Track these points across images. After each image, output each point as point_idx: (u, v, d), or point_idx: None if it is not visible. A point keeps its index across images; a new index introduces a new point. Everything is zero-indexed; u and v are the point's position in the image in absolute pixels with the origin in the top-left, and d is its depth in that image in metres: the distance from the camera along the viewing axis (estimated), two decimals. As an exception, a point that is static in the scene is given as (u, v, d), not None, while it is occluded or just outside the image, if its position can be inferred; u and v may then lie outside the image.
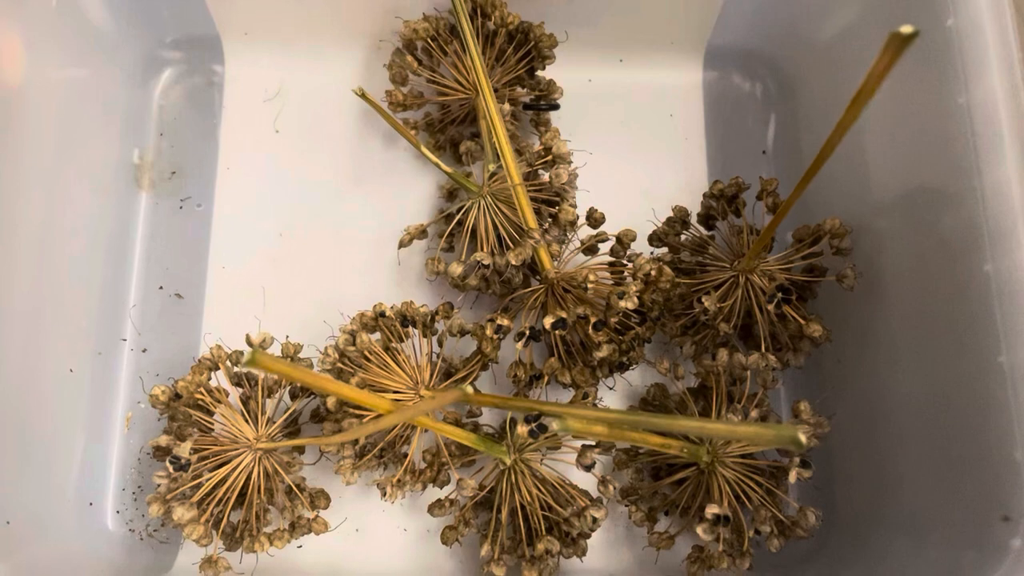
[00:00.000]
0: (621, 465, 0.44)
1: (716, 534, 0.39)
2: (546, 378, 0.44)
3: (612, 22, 0.52)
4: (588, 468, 0.40)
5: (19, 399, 0.41)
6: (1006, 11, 0.37)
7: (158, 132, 0.52)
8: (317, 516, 0.43)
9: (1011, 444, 0.34)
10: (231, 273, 0.50)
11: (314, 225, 0.51)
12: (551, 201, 0.45)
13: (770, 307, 0.42)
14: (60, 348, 0.44)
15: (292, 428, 0.45)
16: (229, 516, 0.42)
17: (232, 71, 0.53)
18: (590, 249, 0.45)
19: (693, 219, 0.47)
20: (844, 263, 0.43)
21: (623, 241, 0.45)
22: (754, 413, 0.42)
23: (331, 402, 0.42)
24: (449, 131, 0.51)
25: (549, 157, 0.46)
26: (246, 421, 0.42)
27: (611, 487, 0.42)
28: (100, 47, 0.49)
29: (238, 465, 0.41)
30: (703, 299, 0.42)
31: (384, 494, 0.41)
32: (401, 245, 0.47)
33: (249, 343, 0.42)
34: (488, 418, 0.47)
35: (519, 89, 0.50)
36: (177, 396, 0.42)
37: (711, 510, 0.39)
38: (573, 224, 0.45)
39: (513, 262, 0.43)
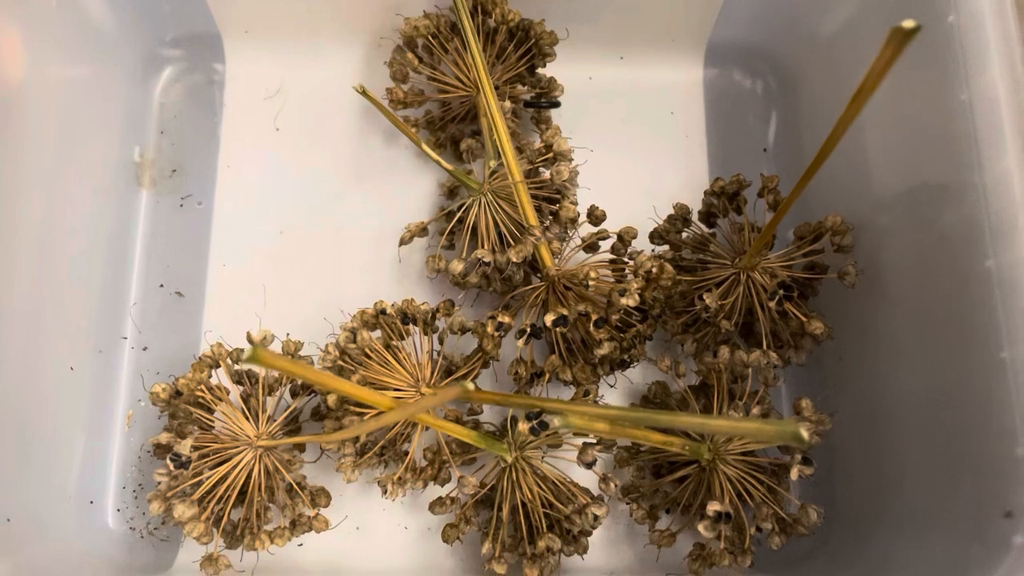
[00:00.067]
0: (622, 463, 0.44)
1: (717, 531, 0.39)
2: (547, 376, 0.44)
3: (613, 19, 0.51)
4: (589, 466, 0.40)
5: (20, 397, 0.41)
6: (1007, 7, 0.37)
7: (159, 130, 0.52)
8: (318, 514, 0.43)
9: (1013, 440, 0.34)
10: (232, 271, 0.50)
11: (315, 223, 0.51)
12: (552, 199, 0.45)
13: (771, 304, 0.42)
14: (60, 346, 0.44)
15: (293, 426, 0.45)
16: (230, 514, 0.42)
17: (233, 69, 0.53)
18: (591, 247, 0.45)
19: (694, 216, 0.47)
20: (845, 260, 0.43)
21: (624, 239, 0.45)
22: (756, 410, 0.42)
23: (332, 400, 0.42)
24: (450, 128, 0.51)
25: (550, 154, 0.46)
26: (247, 419, 0.42)
27: (612, 485, 0.42)
28: (100, 45, 0.49)
29: (239, 463, 0.41)
30: (704, 296, 0.42)
31: (385, 492, 0.41)
32: (402, 243, 0.47)
33: (250, 340, 0.42)
34: (489, 416, 0.46)
35: (520, 87, 0.50)
36: (178, 393, 0.42)
37: (712, 507, 0.39)
38: (574, 221, 0.45)
39: (514, 259, 0.43)
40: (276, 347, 0.45)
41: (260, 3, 0.51)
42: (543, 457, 0.43)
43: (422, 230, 0.47)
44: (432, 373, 0.43)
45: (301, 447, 0.45)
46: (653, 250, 0.47)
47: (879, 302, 0.43)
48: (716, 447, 0.41)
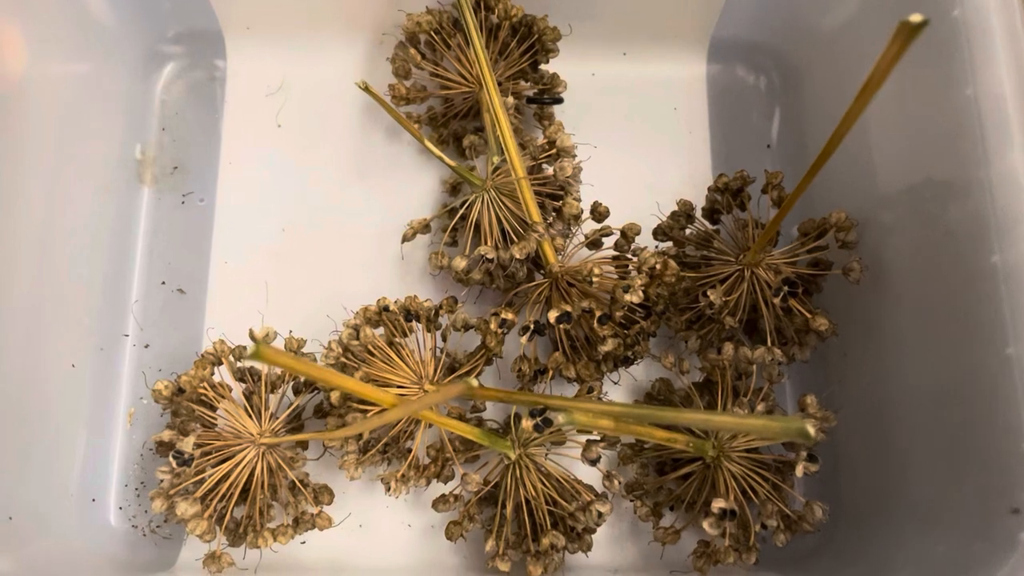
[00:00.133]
0: (626, 460, 0.44)
1: (722, 528, 0.39)
2: (550, 373, 0.44)
3: (615, 15, 0.51)
4: (593, 462, 0.40)
5: (21, 395, 0.41)
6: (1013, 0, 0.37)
7: (160, 127, 0.52)
8: (321, 511, 0.43)
9: (1019, 436, 0.34)
10: (234, 268, 0.50)
11: (317, 220, 0.50)
12: (555, 195, 0.45)
13: (776, 301, 0.42)
14: (62, 344, 0.44)
15: (295, 423, 0.44)
16: (232, 512, 0.41)
17: (234, 66, 0.53)
18: (594, 243, 0.45)
19: (698, 213, 0.47)
20: (850, 256, 0.43)
21: (627, 235, 0.45)
22: (760, 407, 0.42)
23: (335, 397, 0.41)
24: (452, 125, 0.51)
25: (553, 151, 0.46)
26: (249, 416, 0.42)
27: (616, 482, 0.42)
28: (102, 42, 0.48)
29: (241, 460, 0.41)
30: (708, 293, 0.42)
31: (388, 489, 0.41)
32: (404, 240, 0.46)
33: (252, 337, 0.42)
34: (492, 413, 0.46)
35: (522, 83, 0.50)
36: (180, 391, 0.42)
37: (717, 504, 0.38)
38: (577, 218, 0.45)
39: (517, 256, 0.43)
40: (279, 344, 0.45)
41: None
42: (547, 454, 0.43)
43: (425, 227, 0.46)
44: (435, 370, 0.43)
45: (304, 444, 0.44)
46: (657, 246, 0.47)
47: (884, 298, 0.43)
48: (720, 444, 0.41)
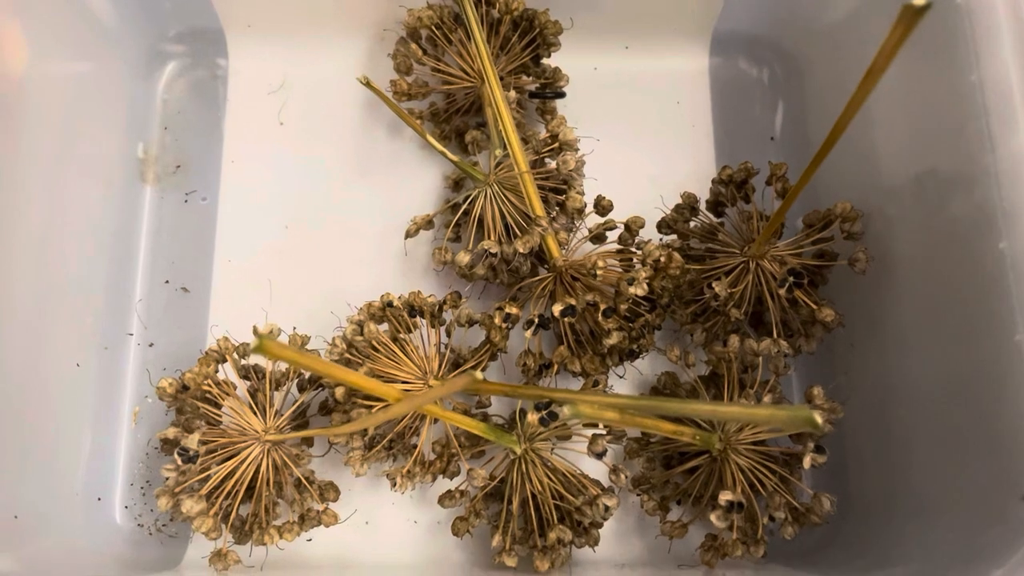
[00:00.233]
0: (632, 454, 0.44)
1: (729, 521, 0.39)
2: (556, 367, 0.44)
3: (617, 8, 0.51)
4: (599, 456, 0.40)
5: (26, 394, 0.41)
6: (1017, -15, 0.37)
7: (162, 126, 0.52)
8: (327, 508, 0.43)
9: (1029, 424, 0.33)
10: (237, 266, 0.50)
11: (320, 217, 0.50)
12: (558, 189, 0.45)
13: (781, 292, 0.42)
14: (66, 343, 0.44)
15: (300, 420, 0.44)
16: (238, 509, 0.41)
17: (236, 64, 0.53)
18: (598, 237, 0.44)
19: (702, 205, 0.46)
20: (855, 247, 0.43)
21: (631, 228, 0.44)
22: (767, 399, 0.42)
23: (339, 393, 0.41)
24: (455, 120, 0.51)
25: (556, 145, 0.45)
26: (254, 413, 0.42)
27: (623, 476, 0.42)
28: (103, 41, 0.48)
29: (246, 458, 0.41)
30: (713, 285, 0.42)
31: (394, 485, 0.41)
32: (408, 235, 0.46)
33: (256, 334, 0.42)
34: (497, 408, 0.46)
35: (524, 77, 0.50)
36: (184, 388, 0.42)
37: (724, 497, 0.38)
38: (581, 212, 0.45)
39: (521, 250, 0.42)
40: (283, 341, 0.45)
41: (262, -3, 0.51)
42: (553, 449, 0.43)
43: (428, 222, 0.46)
44: (440, 366, 0.43)
45: (309, 441, 0.44)
46: (661, 239, 0.47)
47: (890, 288, 0.43)
48: (727, 437, 0.41)
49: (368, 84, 0.42)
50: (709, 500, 0.42)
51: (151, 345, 0.48)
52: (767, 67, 0.54)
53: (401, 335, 0.43)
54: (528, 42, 0.49)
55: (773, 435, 0.41)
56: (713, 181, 0.46)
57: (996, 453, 0.35)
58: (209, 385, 0.42)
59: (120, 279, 0.48)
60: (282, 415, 0.42)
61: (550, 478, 0.41)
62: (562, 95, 0.51)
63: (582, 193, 0.45)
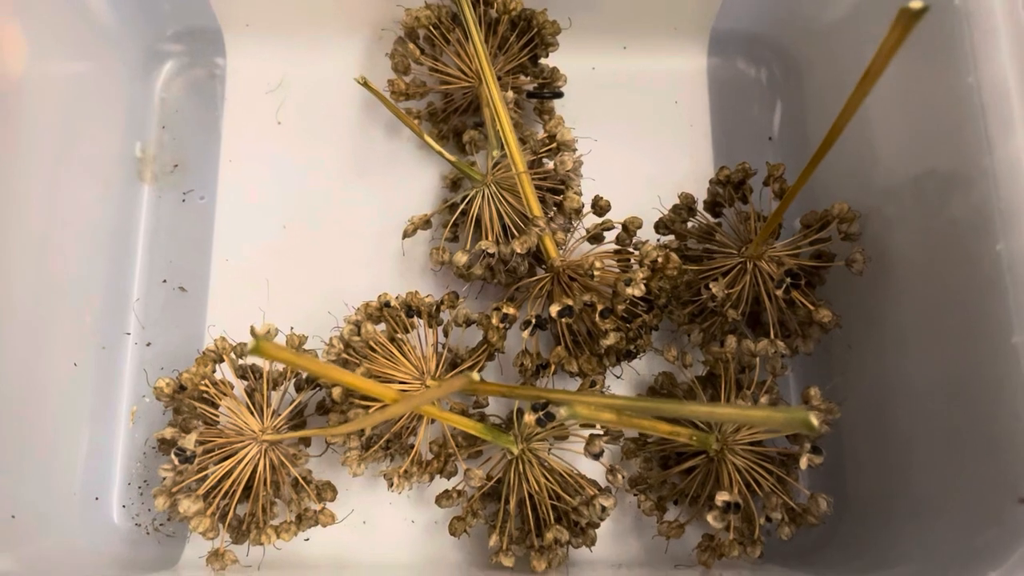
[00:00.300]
0: (629, 454, 0.44)
1: (726, 521, 0.39)
2: (553, 367, 0.44)
3: (615, 8, 0.51)
4: (596, 456, 0.40)
5: (23, 394, 0.41)
6: (1015, -13, 0.37)
7: (160, 125, 0.52)
8: (324, 508, 0.43)
9: (1025, 426, 0.33)
10: (235, 266, 0.50)
11: (317, 216, 0.50)
12: (556, 189, 0.45)
13: (778, 293, 0.42)
14: (63, 343, 0.44)
15: (298, 420, 0.44)
16: (235, 509, 0.41)
17: (234, 63, 0.53)
18: (596, 237, 0.45)
19: (699, 206, 0.46)
20: (853, 248, 0.43)
21: (629, 229, 0.44)
22: (764, 400, 0.42)
23: (337, 393, 0.41)
24: (452, 120, 0.51)
25: (553, 145, 0.45)
26: (251, 413, 0.42)
27: (620, 476, 0.42)
28: (101, 40, 0.48)
29: (244, 457, 0.41)
30: (711, 286, 0.42)
31: (391, 485, 0.41)
32: (405, 235, 0.46)
33: (254, 334, 0.42)
34: (495, 408, 0.46)
35: (522, 77, 0.50)
36: (181, 388, 0.42)
37: (721, 497, 0.38)
38: (578, 212, 0.45)
39: (518, 251, 0.42)
40: (280, 341, 0.45)
41: (260, -3, 0.51)
42: (550, 449, 0.43)
43: (425, 222, 0.46)
44: (437, 366, 0.43)
45: (306, 441, 0.44)
46: (658, 240, 0.47)
47: (888, 289, 0.43)
48: (724, 437, 0.41)
49: (366, 84, 0.42)
50: (706, 500, 0.42)
51: (148, 344, 0.48)
52: (765, 67, 0.54)
53: (398, 335, 0.43)
54: (526, 42, 0.49)
55: (770, 435, 0.42)
56: (711, 181, 0.46)
57: (993, 454, 0.35)
58: (206, 385, 0.42)
59: (118, 278, 0.48)
60: (279, 415, 0.42)
61: (547, 478, 0.41)
62: (560, 95, 0.51)
63: (580, 193, 0.45)
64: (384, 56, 0.50)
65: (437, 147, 0.45)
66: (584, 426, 0.42)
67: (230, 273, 0.49)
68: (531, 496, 0.41)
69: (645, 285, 0.41)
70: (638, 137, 0.52)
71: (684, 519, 0.43)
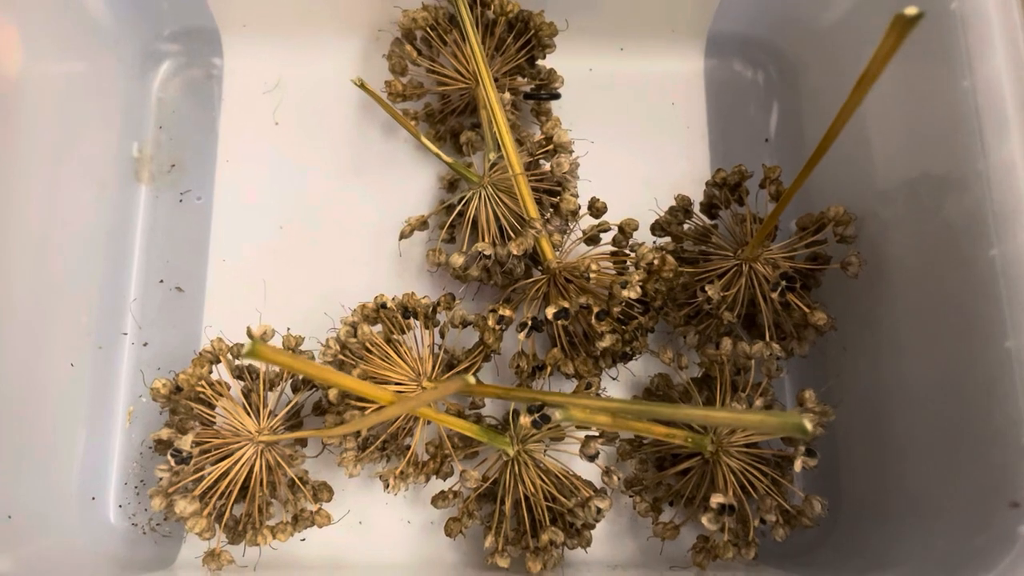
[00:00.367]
0: (625, 456, 0.44)
1: (721, 524, 0.39)
2: (549, 369, 0.44)
3: (612, 10, 0.51)
4: (592, 458, 0.40)
5: (20, 394, 0.41)
6: (1010, -7, 0.37)
7: (157, 125, 0.52)
8: (320, 509, 0.43)
9: (1018, 430, 0.33)
10: (231, 266, 0.50)
11: (314, 217, 0.50)
12: (552, 191, 0.45)
13: (774, 295, 0.42)
14: (60, 342, 0.44)
15: (294, 421, 0.44)
16: (232, 509, 0.41)
17: (231, 63, 0.53)
18: (592, 239, 0.45)
19: (696, 208, 0.47)
20: (848, 251, 0.43)
21: (625, 231, 0.44)
22: (759, 402, 0.42)
23: (333, 394, 0.41)
24: (449, 121, 0.51)
25: (550, 146, 0.45)
26: (248, 414, 0.42)
27: (615, 477, 0.42)
28: (98, 40, 0.48)
29: (240, 458, 0.41)
30: (706, 288, 0.42)
31: (387, 486, 0.41)
32: (402, 236, 0.46)
33: (250, 336, 0.42)
34: (491, 409, 0.46)
35: (519, 78, 0.50)
36: (178, 389, 0.42)
37: (716, 499, 0.38)
38: (575, 214, 0.45)
39: (515, 252, 0.42)
40: (276, 342, 0.45)
41: (258, -3, 0.51)
42: (545, 450, 0.43)
43: (422, 223, 0.46)
44: (433, 367, 0.43)
45: (303, 442, 0.44)
46: (655, 242, 0.47)
47: (883, 292, 0.43)
48: (719, 439, 0.41)
49: (363, 86, 0.42)
50: (701, 502, 0.42)
51: (145, 344, 0.48)
52: (762, 69, 0.54)
53: (395, 336, 0.43)
54: (523, 44, 0.49)
55: (765, 437, 0.42)
56: (707, 184, 0.46)
57: (986, 459, 0.35)
58: (203, 386, 0.42)
59: (115, 278, 0.48)
60: (276, 416, 0.42)
61: (543, 480, 0.41)
62: (557, 96, 0.51)
63: (576, 195, 0.45)
64: (381, 57, 0.50)
65: (434, 148, 0.45)
66: (580, 428, 0.42)
67: (227, 273, 0.49)
68: (527, 497, 0.41)
69: (641, 287, 0.41)
70: (635, 139, 0.52)
71: (679, 520, 0.43)
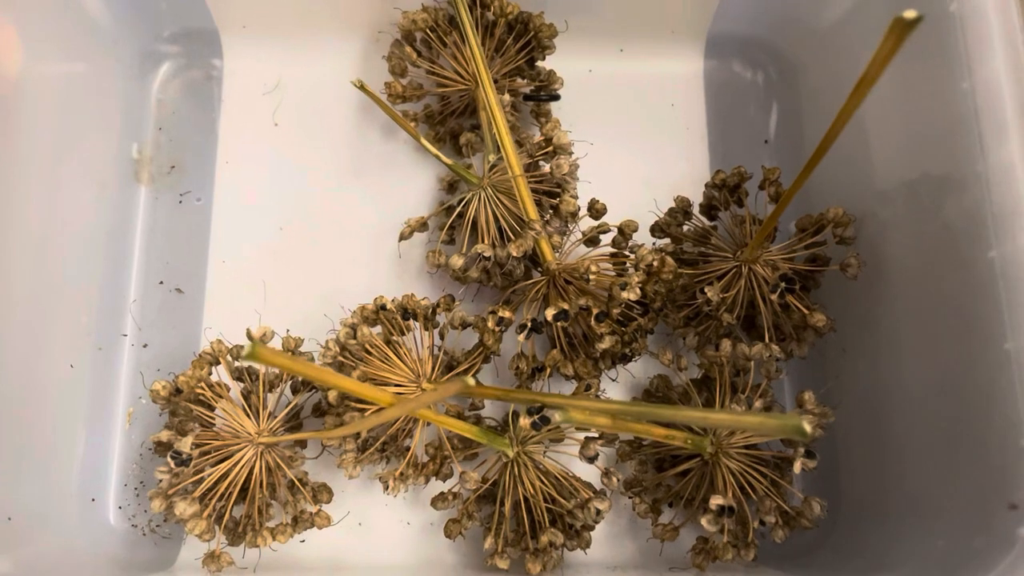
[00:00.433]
0: (624, 457, 0.44)
1: (721, 525, 0.39)
2: (548, 370, 0.44)
3: (612, 11, 0.51)
4: (591, 460, 0.40)
5: (20, 395, 0.41)
6: (1009, -6, 0.37)
7: (157, 126, 0.52)
8: (320, 510, 0.43)
9: (1017, 431, 0.33)
10: (231, 267, 0.50)
11: (314, 218, 0.50)
12: (552, 192, 0.45)
13: (773, 297, 0.42)
14: (60, 344, 0.44)
15: (294, 422, 0.44)
16: (231, 511, 0.41)
17: (230, 64, 0.53)
18: (592, 240, 0.45)
19: (695, 209, 0.47)
20: (847, 252, 0.43)
21: (625, 232, 0.45)
22: (758, 404, 0.42)
23: (332, 396, 0.41)
24: (449, 123, 0.51)
25: (550, 148, 0.45)
26: (247, 416, 0.42)
27: (615, 479, 0.42)
28: (98, 41, 0.48)
29: (240, 460, 0.41)
30: (706, 290, 0.42)
31: (386, 488, 0.41)
32: (402, 238, 0.46)
33: (250, 337, 0.42)
34: (490, 411, 0.46)
35: (519, 80, 0.50)
36: (178, 391, 0.42)
37: (715, 501, 0.38)
38: (574, 215, 0.45)
39: (514, 254, 0.42)
40: (276, 343, 0.45)
41: (257, -2, 0.51)
42: (545, 452, 0.43)
43: (422, 225, 0.46)
44: (433, 368, 0.43)
45: (302, 443, 0.44)
46: (654, 243, 0.47)
47: (882, 294, 0.43)
48: (719, 441, 0.41)
49: (362, 88, 0.42)
50: (701, 503, 0.42)
51: (145, 346, 0.48)
52: (762, 70, 0.54)
53: (394, 338, 0.43)
54: (523, 45, 0.49)
55: (764, 439, 0.42)
56: (706, 185, 0.46)
57: (985, 460, 0.35)
58: (202, 388, 0.42)
59: (114, 279, 0.48)
60: (275, 417, 0.42)
61: (542, 481, 0.41)
62: (556, 98, 0.51)
63: (576, 196, 0.45)
64: (381, 59, 0.50)
65: (434, 150, 0.45)
66: (579, 429, 0.42)
67: (227, 275, 0.50)
68: (526, 499, 0.41)
69: (640, 289, 0.41)
70: (634, 140, 0.52)
71: (679, 522, 0.43)
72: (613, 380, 0.47)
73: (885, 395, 0.43)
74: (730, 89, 0.54)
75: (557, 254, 0.44)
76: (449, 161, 0.46)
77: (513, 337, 0.46)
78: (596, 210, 0.45)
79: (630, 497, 0.44)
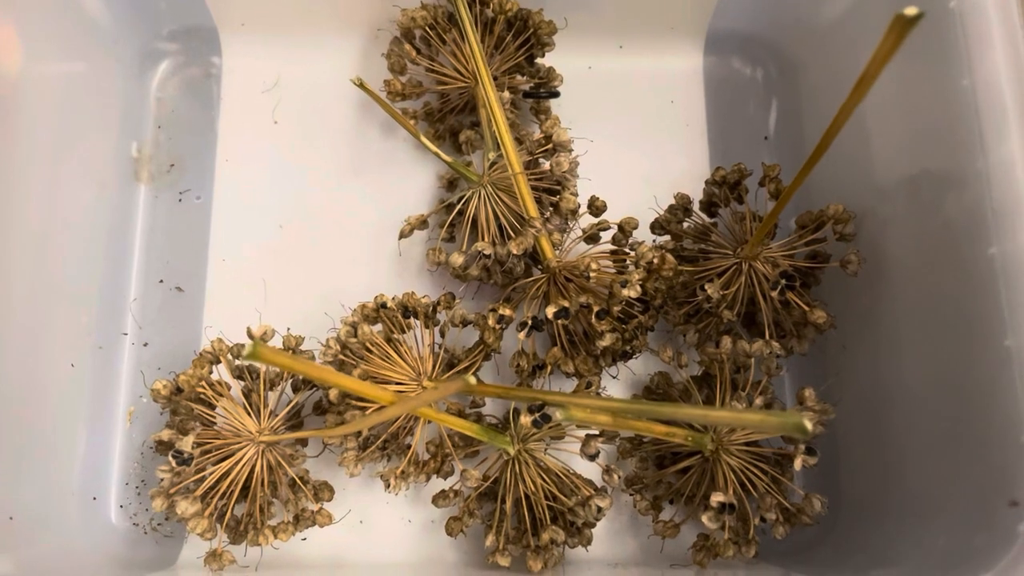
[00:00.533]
0: (625, 454, 0.44)
1: (721, 522, 0.39)
2: (549, 368, 0.44)
3: (611, 8, 0.51)
4: (592, 457, 0.40)
5: (21, 395, 0.41)
6: (1009, -9, 0.37)
7: (156, 125, 0.52)
8: (321, 508, 0.43)
9: (1018, 428, 0.33)
10: (231, 266, 0.50)
11: (314, 216, 0.50)
12: (552, 190, 0.45)
13: (774, 294, 0.42)
14: (61, 343, 0.44)
15: (295, 421, 0.44)
16: (233, 509, 0.41)
17: (230, 62, 0.53)
18: (592, 238, 0.45)
19: (695, 206, 0.47)
20: (848, 249, 0.43)
21: (625, 229, 0.44)
22: (758, 400, 0.42)
23: (333, 394, 0.41)
24: (448, 120, 0.51)
25: (550, 145, 0.45)
26: (248, 414, 0.42)
27: (615, 476, 0.42)
28: (97, 40, 0.48)
29: (241, 458, 0.41)
30: (706, 287, 0.42)
31: (388, 486, 0.41)
32: (402, 236, 0.46)
33: (250, 336, 0.42)
34: (491, 409, 0.46)
35: (519, 77, 0.50)
36: (178, 390, 0.42)
37: (716, 498, 0.38)
38: (574, 212, 0.45)
39: (514, 251, 0.42)
40: (277, 342, 0.45)
41: (256, -4, 0.51)
42: (546, 449, 0.43)
43: (422, 223, 0.46)
44: (434, 366, 0.43)
45: (303, 442, 0.44)
46: (654, 240, 0.47)
47: (882, 290, 0.43)
48: (719, 438, 0.41)
49: (362, 85, 0.42)
50: (701, 500, 0.42)
51: (145, 345, 0.48)
52: (761, 66, 0.54)
53: (395, 336, 0.43)
54: (522, 42, 0.49)
55: (765, 436, 0.42)
56: (706, 182, 0.46)
57: (986, 457, 0.35)
58: (203, 387, 0.42)
59: (114, 278, 0.48)
60: (276, 416, 0.42)
61: (543, 479, 0.41)
62: (556, 95, 0.51)
63: (576, 194, 0.45)
64: (380, 56, 0.50)
65: (433, 147, 0.45)
66: (580, 427, 0.42)
67: (227, 273, 0.49)
68: (527, 496, 0.41)
69: (641, 286, 0.41)
70: (634, 137, 0.52)
71: (680, 519, 0.43)
72: (614, 377, 0.47)
73: (885, 392, 0.43)
74: (730, 86, 0.54)
75: (557, 252, 0.44)
76: (449, 159, 0.46)
77: (514, 335, 0.46)
78: (596, 207, 0.45)
79: (631, 494, 0.44)
